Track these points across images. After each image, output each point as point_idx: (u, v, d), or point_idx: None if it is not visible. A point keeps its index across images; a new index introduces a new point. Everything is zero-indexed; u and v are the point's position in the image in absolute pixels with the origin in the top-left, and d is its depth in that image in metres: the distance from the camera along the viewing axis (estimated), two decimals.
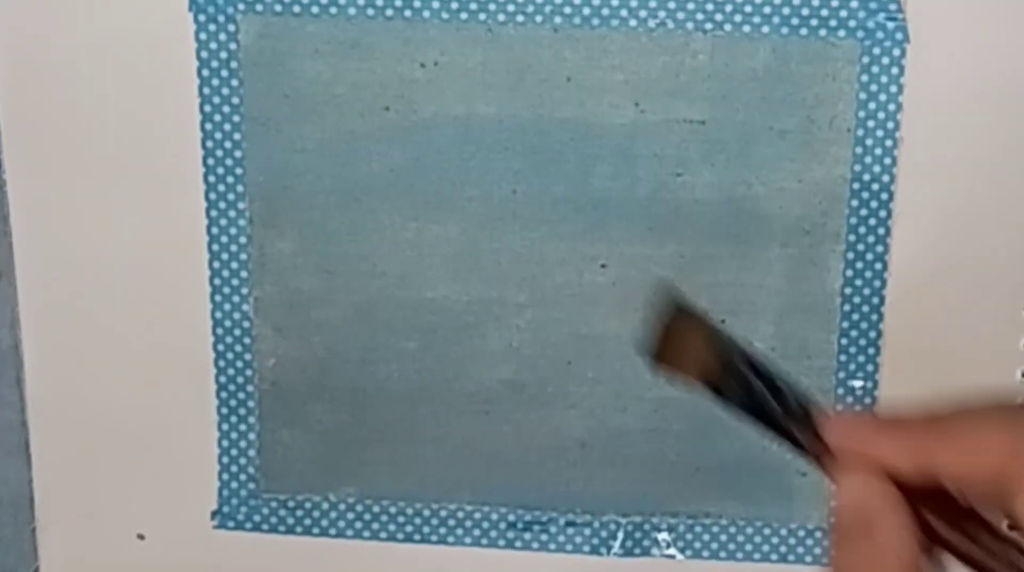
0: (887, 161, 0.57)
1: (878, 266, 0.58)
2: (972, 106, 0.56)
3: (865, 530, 0.41)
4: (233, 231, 0.59)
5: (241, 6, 0.57)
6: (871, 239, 0.58)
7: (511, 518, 0.62)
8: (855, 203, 0.57)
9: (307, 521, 0.63)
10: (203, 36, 0.57)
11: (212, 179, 0.59)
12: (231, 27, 0.57)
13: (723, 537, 0.62)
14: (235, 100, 0.58)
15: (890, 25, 0.55)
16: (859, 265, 0.58)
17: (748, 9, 0.55)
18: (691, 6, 0.55)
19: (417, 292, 0.60)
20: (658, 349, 0.45)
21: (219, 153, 0.59)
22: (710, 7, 0.55)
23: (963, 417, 0.41)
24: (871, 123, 0.56)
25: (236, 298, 0.60)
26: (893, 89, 0.56)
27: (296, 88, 0.58)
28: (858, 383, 0.59)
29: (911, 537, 0.41)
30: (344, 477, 0.62)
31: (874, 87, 0.56)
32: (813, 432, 0.43)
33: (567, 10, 0.56)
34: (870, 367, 0.59)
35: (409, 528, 0.63)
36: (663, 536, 0.62)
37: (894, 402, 0.59)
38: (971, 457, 0.41)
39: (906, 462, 0.41)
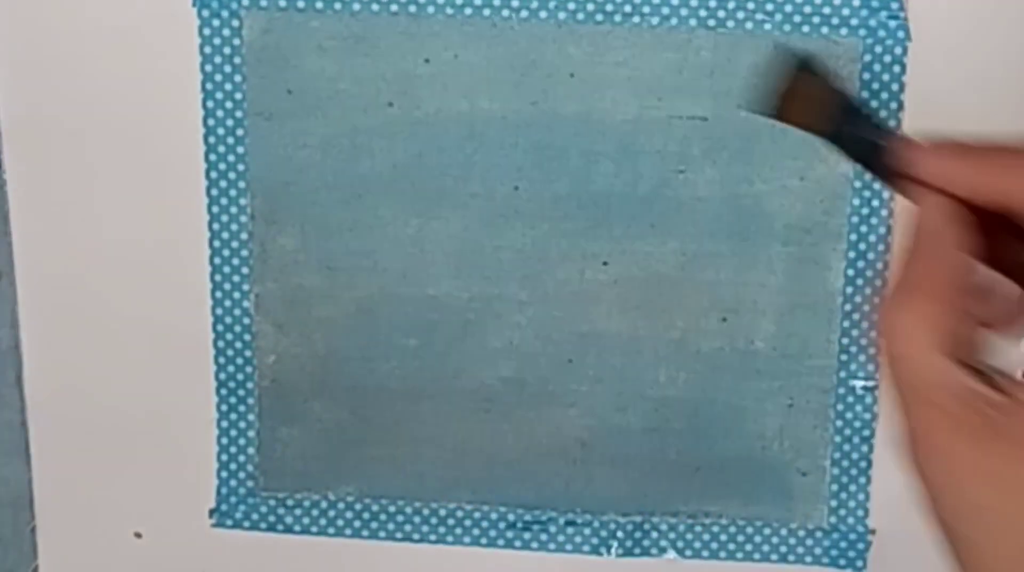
0: None
1: (879, 265, 0.58)
2: (973, 104, 0.56)
3: (928, 242, 0.44)
4: (234, 227, 0.60)
5: (245, 2, 0.57)
6: (872, 238, 0.58)
7: (511, 517, 0.62)
8: (857, 202, 0.57)
9: (306, 520, 0.63)
10: (207, 31, 0.57)
11: (214, 175, 0.59)
12: (235, 22, 0.57)
13: (723, 537, 0.62)
14: (238, 95, 0.58)
15: (892, 24, 0.55)
16: (860, 264, 0.58)
17: (751, 6, 0.56)
18: (694, 3, 0.56)
19: (418, 289, 0.60)
20: (780, 105, 0.49)
21: (221, 149, 0.59)
22: (713, 4, 0.56)
23: None
24: None
25: (237, 294, 0.60)
26: (895, 87, 0.56)
27: (299, 84, 0.58)
28: (859, 382, 0.59)
29: (963, 250, 0.43)
30: (343, 475, 0.62)
31: (876, 85, 0.56)
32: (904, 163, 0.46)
33: (571, 6, 0.56)
34: (871, 366, 0.59)
35: (408, 527, 0.63)
36: (663, 536, 0.62)
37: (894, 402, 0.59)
38: None
39: (983, 191, 0.43)
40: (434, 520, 0.62)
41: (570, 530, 0.62)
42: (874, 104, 0.56)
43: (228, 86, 0.58)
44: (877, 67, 0.56)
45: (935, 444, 0.43)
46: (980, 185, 0.44)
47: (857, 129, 0.48)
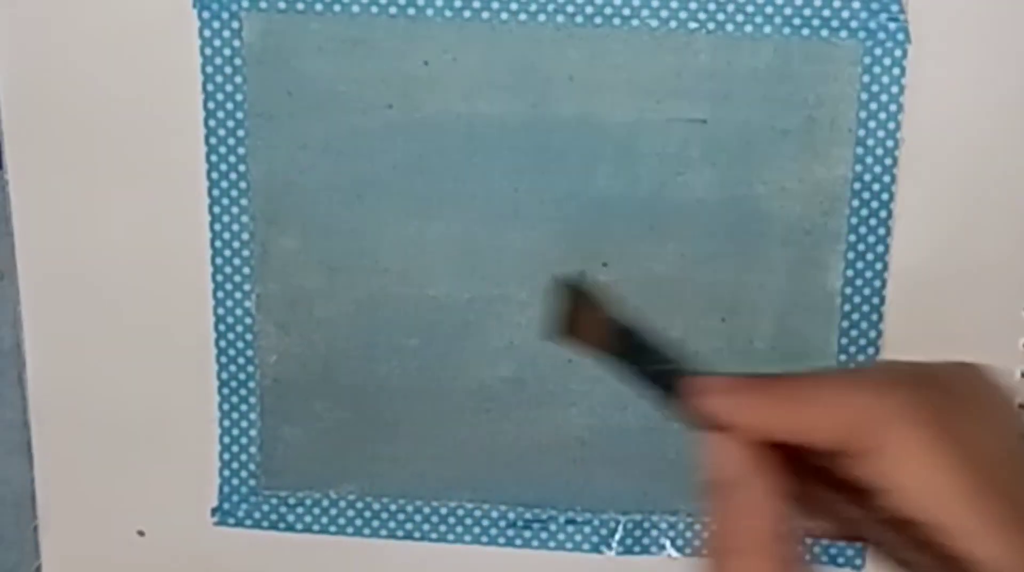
0: (888, 161, 0.57)
1: (878, 266, 0.58)
2: (973, 107, 0.56)
3: (726, 491, 0.42)
4: (236, 228, 0.60)
5: (245, 3, 0.57)
6: (872, 239, 0.58)
7: (511, 516, 0.62)
8: (856, 203, 0.58)
9: (308, 518, 0.63)
10: (207, 33, 0.57)
11: (215, 176, 0.59)
12: (235, 24, 0.57)
13: None
14: (239, 97, 0.58)
15: (892, 26, 0.55)
16: (859, 265, 0.58)
17: (750, 9, 0.56)
18: (693, 6, 0.56)
19: (419, 289, 0.60)
20: (563, 325, 0.47)
21: (222, 150, 0.59)
22: (712, 7, 0.56)
23: (821, 382, 0.42)
24: (872, 123, 0.57)
25: (238, 294, 0.60)
26: (894, 90, 0.56)
27: (299, 85, 0.58)
28: None
29: (771, 498, 0.41)
30: (345, 474, 0.62)
31: (875, 88, 0.56)
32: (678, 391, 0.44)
33: (570, 9, 0.56)
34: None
35: (409, 525, 0.63)
36: (662, 534, 0.62)
37: None
38: (829, 421, 0.41)
39: (772, 428, 0.41)
40: (435, 518, 0.63)
41: (570, 528, 0.62)
42: (873, 107, 0.56)
43: (229, 87, 0.58)
44: (877, 70, 0.56)
45: None
46: (768, 421, 0.42)
47: (641, 357, 0.46)
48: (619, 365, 0.47)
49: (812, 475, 0.43)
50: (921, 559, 0.41)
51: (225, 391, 0.62)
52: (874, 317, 0.59)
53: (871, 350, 0.59)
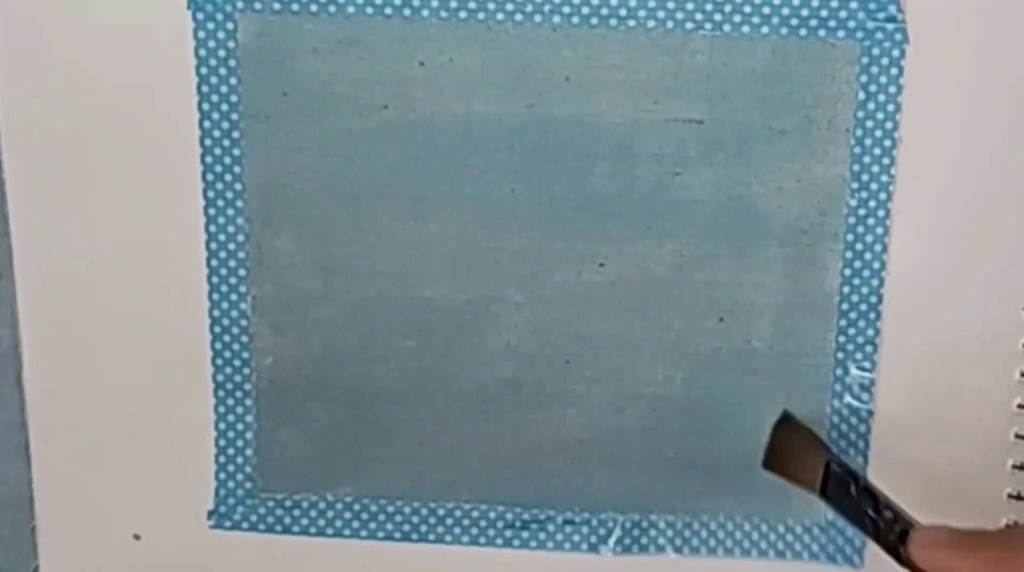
0: (886, 161, 0.57)
1: (876, 266, 0.58)
2: (970, 107, 0.56)
3: None
4: (231, 229, 0.59)
5: (240, 4, 0.57)
6: (869, 239, 0.58)
7: (509, 517, 0.62)
8: (853, 203, 0.57)
9: (304, 521, 0.63)
10: (202, 34, 0.57)
11: (210, 177, 0.59)
12: (230, 25, 0.57)
13: (720, 534, 0.62)
14: (234, 98, 0.58)
15: (889, 26, 0.55)
16: (857, 264, 0.58)
17: (747, 9, 0.55)
18: (690, 6, 0.55)
19: (415, 291, 0.60)
20: (771, 458, 0.56)
21: (217, 151, 0.59)
22: (709, 7, 0.55)
23: None
24: (870, 123, 0.56)
25: (234, 296, 0.60)
26: (892, 90, 0.56)
27: (294, 86, 0.58)
28: (855, 381, 0.59)
29: None
30: (341, 476, 0.62)
31: (873, 88, 0.56)
32: (900, 543, 0.52)
33: (566, 9, 0.56)
34: (868, 366, 0.59)
35: (407, 527, 0.63)
36: (661, 533, 0.62)
37: (891, 401, 0.59)
38: None
39: None
40: (433, 520, 0.63)
41: (568, 529, 0.62)
42: (871, 107, 0.56)
43: (224, 89, 0.58)
44: (875, 70, 0.56)
45: None
46: None
47: (847, 496, 0.53)
48: (834, 506, 0.55)
49: None
50: None
51: (221, 393, 0.62)
52: (872, 317, 0.59)
53: (869, 349, 0.59)
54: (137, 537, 0.64)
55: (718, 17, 0.55)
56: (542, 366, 0.60)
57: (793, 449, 0.57)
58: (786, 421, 0.58)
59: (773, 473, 0.57)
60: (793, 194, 0.57)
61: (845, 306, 0.59)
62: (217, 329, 0.61)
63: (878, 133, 0.56)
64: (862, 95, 0.56)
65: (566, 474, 0.62)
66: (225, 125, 0.58)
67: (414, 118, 0.58)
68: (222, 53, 0.57)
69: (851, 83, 0.56)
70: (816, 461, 0.56)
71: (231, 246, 0.60)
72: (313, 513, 0.63)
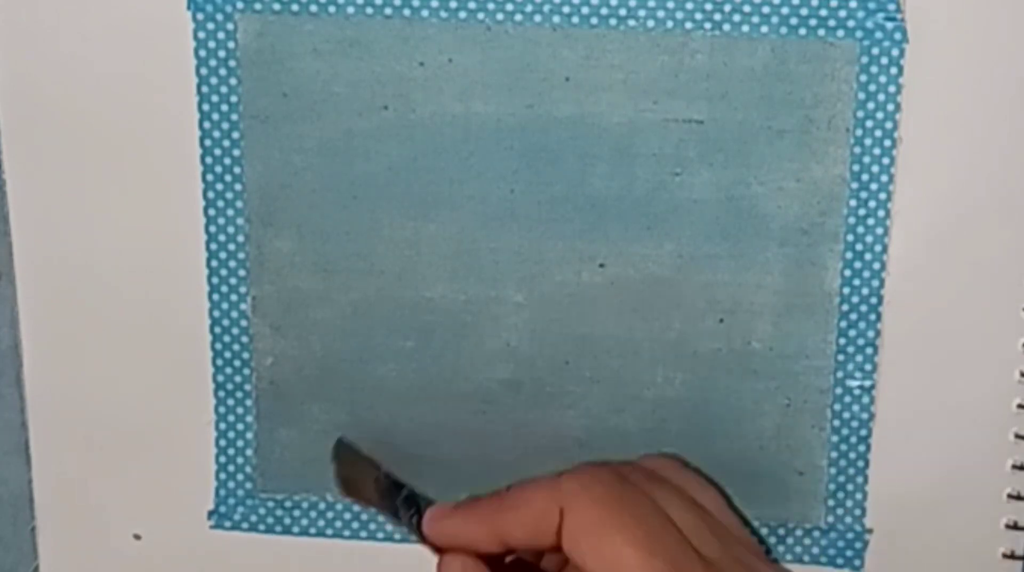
0: (885, 161, 0.57)
1: (876, 266, 0.58)
2: (971, 106, 0.56)
3: None
4: (231, 230, 0.60)
5: (240, 5, 0.57)
6: (869, 239, 0.58)
7: None
8: (853, 203, 0.57)
9: (304, 521, 0.63)
10: (201, 35, 0.57)
11: (210, 178, 0.59)
12: (229, 26, 0.57)
13: None
14: (233, 99, 0.58)
15: (889, 25, 0.55)
16: (857, 265, 0.58)
17: (747, 9, 0.55)
18: (690, 6, 0.55)
19: (415, 291, 0.60)
20: (342, 486, 0.59)
21: (217, 152, 0.59)
22: (709, 7, 0.55)
23: (516, 489, 0.51)
24: (870, 123, 0.56)
25: (234, 297, 0.60)
26: (892, 89, 0.56)
27: (294, 87, 0.58)
28: (856, 382, 0.59)
29: None
30: None
31: (873, 87, 0.56)
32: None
33: (566, 9, 0.56)
34: (868, 367, 0.59)
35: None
36: None
37: (891, 401, 0.59)
38: (527, 520, 0.50)
39: (485, 540, 0.51)
40: None
41: None
42: (871, 106, 0.56)
43: (223, 89, 0.58)
44: (874, 69, 0.56)
45: None
46: (479, 535, 0.51)
47: (396, 499, 0.55)
48: (385, 515, 0.56)
49: None
50: None
51: (221, 394, 0.62)
52: (872, 317, 0.59)
53: (869, 350, 0.59)
54: (137, 537, 0.64)
55: (718, 17, 0.55)
56: (541, 367, 0.60)
57: (351, 472, 0.59)
58: (340, 447, 0.60)
59: (352, 500, 0.60)
60: (793, 194, 0.57)
61: (845, 307, 0.59)
62: (217, 329, 0.61)
63: (878, 133, 0.56)
64: (862, 95, 0.56)
65: None
66: (225, 126, 0.58)
67: (414, 118, 0.58)
68: (222, 53, 0.57)
69: (851, 82, 0.56)
70: (369, 477, 0.59)
71: (231, 246, 0.60)
72: (313, 513, 0.63)
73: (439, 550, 0.53)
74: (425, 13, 0.56)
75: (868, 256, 0.58)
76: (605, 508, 0.49)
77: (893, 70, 0.56)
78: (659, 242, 0.58)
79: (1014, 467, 0.60)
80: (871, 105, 0.56)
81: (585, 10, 0.56)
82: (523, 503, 0.50)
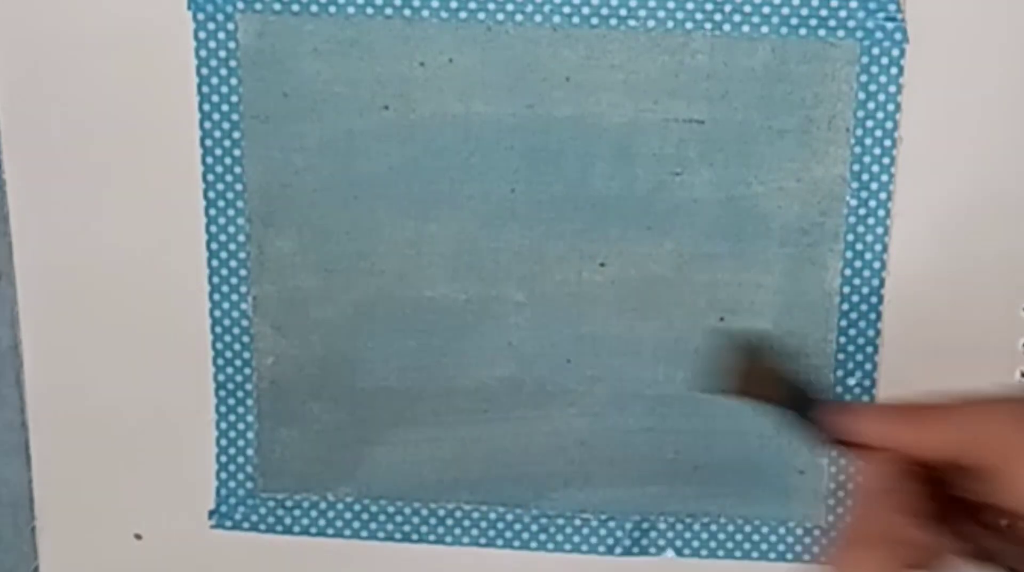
0: (886, 161, 0.57)
1: (876, 265, 0.58)
2: (971, 106, 0.56)
3: (868, 503, 0.48)
4: (232, 229, 0.60)
5: (240, 5, 0.57)
6: (869, 238, 0.58)
7: (509, 517, 0.62)
8: (854, 202, 0.57)
9: (305, 521, 0.63)
10: (202, 35, 0.57)
11: (211, 178, 0.59)
12: (230, 26, 0.57)
13: (721, 535, 0.62)
14: (234, 99, 0.58)
15: (889, 26, 0.55)
16: (857, 264, 0.58)
17: (747, 9, 0.55)
18: (690, 6, 0.55)
19: (416, 291, 0.60)
20: (739, 384, 0.53)
21: (218, 151, 0.59)
22: (709, 7, 0.55)
23: (966, 406, 0.47)
24: (870, 123, 0.56)
25: (235, 297, 0.60)
26: (892, 89, 0.56)
27: (295, 87, 0.58)
28: (855, 381, 0.59)
29: (901, 511, 0.46)
30: (342, 476, 0.62)
31: (873, 87, 0.56)
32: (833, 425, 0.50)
33: (566, 9, 0.56)
34: (868, 366, 0.59)
35: (407, 527, 0.63)
36: (661, 535, 0.62)
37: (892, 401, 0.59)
38: (954, 435, 0.47)
39: (917, 444, 0.47)
40: (433, 520, 0.63)
41: (569, 530, 0.62)
42: (871, 106, 0.56)
43: (224, 89, 0.58)
44: (875, 69, 0.56)
45: None
46: (917, 440, 0.47)
47: (799, 401, 0.51)
48: (784, 413, 0.52)
49: (951, 505, 0.48)
50: None
51: (222, 393, 0.62)
52: (872, 316, 0.59)
53: (869, 349, 0.59)
54: (138, 537, 0.64)
55: (718, 17, 0.56)
56: (542, 366, 0.60)
57: (753, 370, 0.54)
58: (747, 347, 0.54)
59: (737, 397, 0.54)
60: (793, 194, 0.57)
61: (845, 306, 0.59)
62: (218, 329, 0.61)
63: (878, 133, 0.56)
64: (862, 95, 0.56)
65: (566, 474, 0.62)
66: (226, 125, 0.58)
67: (414, 118, 0.58)
68: (223, 54, 0.57)
69: (851, 82, 0.56)
70: (775, 379, 0.53)
71: (232, 246, 0.60)
72: (314, 513, 0.63)
73: (852, 447, 0.50)
74: (426, 13, 0.56)
75: (868, 256, 0.58)
76: None
77: (893, 70, 0.56)
78: (660, 241, 0.58)
79: None
80: (871, 105, 0.56)
81: (586, 10, 0.56)
82: (974, 421, 0.47)
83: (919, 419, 0.48)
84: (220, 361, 0.61)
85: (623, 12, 0.56)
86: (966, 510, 0.48)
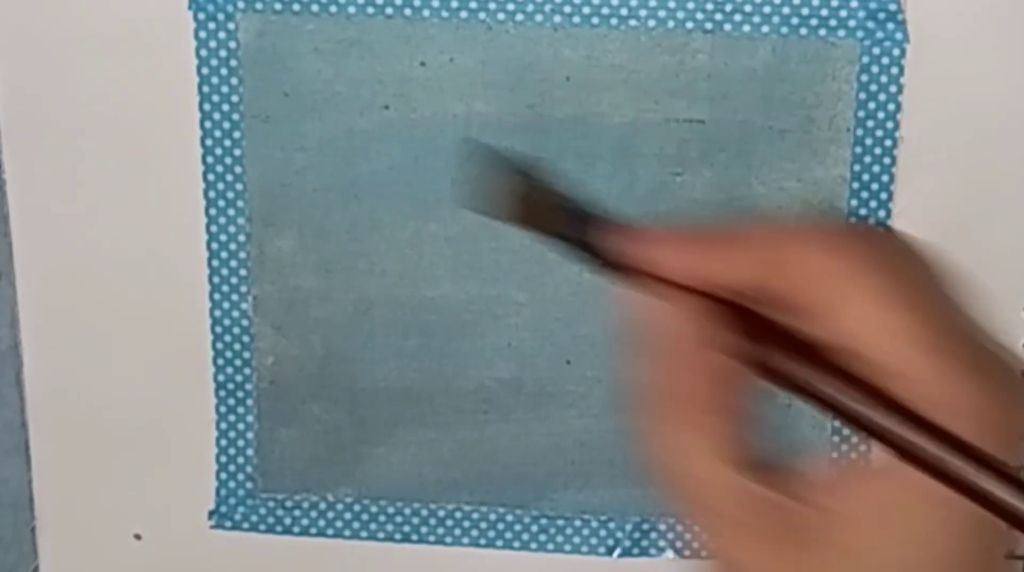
0: (886, 161, 0.57)
1: None
2: (972, 106, 0.56)
3: (680, 346, 0.43)
4: (232, 229, 0.60)
5: (241, 4, 0.57)
6: None
7: (509, 518, 0.62)
8: (854, 203, 0.57)
9: (305, 521, 0.63)
10: (202, 34, 0.57)
11: (211, 177, 0.59)
12: (230, 25, 0.57)
13: None
14: (234, 98, 0.58)
15: (890, 25, 0.55)
16: None
17: (748, 9, 0.55)
18: (691, 6, 0.55)
19: (416, 290, 0.60)
20: (515, 211, 0.50)
21: (218, 151, 0.59)
22: (710, 7, 0.55)
23: (774, 232, 0.44)
24: (871, 123, 0.56)
25: (235, 296, 0.60)
26: (893, 89, 0.56)
27: (295, 86, 0.58)
28: None
29: (718, 349, 0.42)
30: (342, 477, 0.62)
31: (874, 87, 0.56)
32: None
33: (567, 9, 0.56)
34: None
35: (407, 528, 0.63)
36: (661, 536, 0.62)
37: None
38: (755, 261, 0.42)
39: (697, 270, 0.43)
40: (433, 521, 0.63)
41: (569, 531, 0.62)
42: (872, 106, 0.56)
43: (224, 89, 0.58)
44: (875, 69, 0.56)
45: (733, 557, 0.43)
46: (726, 273, 0.43)
47: (579, 225, 0.49)
48: (562, 243, 0.49)
49: (770, 340, 0.43)
50: (871, 408, 0.43)
51: (222, 393, 0.62)
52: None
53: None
54: (138, 537, 0.64)
55: (719, 17, 0.56)
56: (543, 366, 0.60)
57: (530, 198, 0.51)
58: (521, 173, 0.52)
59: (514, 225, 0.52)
60: (794, 194, 0.57)
61: None
62: (218, 329, 0.61)
63: (879, 133, 0.56)
64: (863, 95, 0.56)
65: (566, 475, 0.62)
66: (226, 125, 0.58)
67: (415, 118, 0.58)
68: (223, 53, 0.57)
69: (852, 82, 0.56)
70: (552, 207, 0.51)
71: (232, 246, 0.60)
72: (314, 513, 0.63)
73: (631, 274, 0.46)
74: (426, 13, 0.56)
75: None
76: (892, 287, 0.42)
77: (894, 70, 0.56)
78: None
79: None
80: (872, 105, 0.56)
81: (586, 10, 0.56)
82: (766, 244, 0.43)
83: (724, 245, 0.43)
84: (220, 361, 0.61)
85: (624, 12, 0.56)
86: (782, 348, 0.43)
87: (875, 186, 0.57)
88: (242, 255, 0.60)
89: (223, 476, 0.63)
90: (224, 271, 0.60)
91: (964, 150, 0.56)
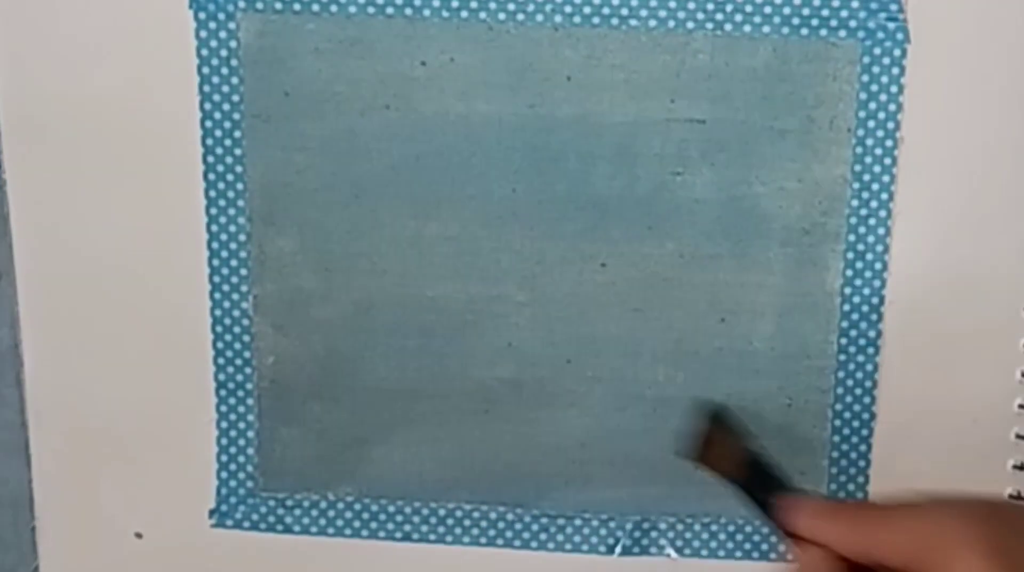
0: (887, 161, 0.57)
1: (878, 266, 0.58)
2: (972, 106, 0.56)
3: None
4: (233, 229, 0.60)
5: (242, 4, 0.57)
6: (871, 239, 0.58)
7: (509, 517, 0.62)
8: (855, 203, 0.57)
9: (305, 520, 0.63)
10: (203, 34, 0.57)
11: (212, 177, 0.59)
12: (231, 25, 0.57)
13: (722, 535, 0.62)
14: (235, 98, 0.58)
15: (891, 25, 0.55)
16: (859, 265, 0.58)
17: (749, 9, 0.55)
18: (692, 5, 0.55)
19: (416, 290, 0.60)
20: (698, 452, 0.56)
21: (219, 151, 0.59)
22: (711, 7, 0.55)
23: (896, 509, 0.49)
24: (871, 123, 0.56)
25: (236, 296, 0.60)
26: (893, 89, 0.56)
27: (296, 86, 0.58)
28: (856, 383, 0.59)
29: None
30: (342, 476, 0.62)
31: (874, 87, 0.56)
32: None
33: (567, 9, 0.56)
34: (869, 366, 0.59)
35: (408, 527, 0.63)
36: (662, 535, 0.62)
37: (892, 402, 0.59)
38: (903, 547, 0.48)
39: (850, 546, 0.50)
40: (433, 520, 0.63)
41: (569, 530, 0.62)
42: (872, 106, 0.56)
43: (225, 88, 0.58)
44: (876, 69, 0.56)
45: None
46: (848, 542, 0.50)
47: (759, 484, 0.54)
48: (740, 491, 0.54)
49: None
50: None
51: (223, 393, 0.62)
52: (873, 317, 0.59)
53: (870, 350, 0.59)
54: (138, 536, 0.64)
55: (719, 17, 0.56)
56: (543, 366, 0.60)
57: (715, 440, 0.57)
58: (711, 414, 0.58)
59: (696, 464, 0.57)
60: (795, 194, 0.58)
61: (847, 307, 0.59)
62: (219, 328, 0.61)
63: (880, 133, 0.56)
64: (863, 95, 0.56)
65: (567, 475, 0.62)
66: (227, 125, 0.58)
67: (415, 118, 0.58)
68: (224, 53, 0.57)
69: (852, 82, 0.56)
70: (735, 452, 0.56)
71: (233, 245, 0.60)
72: (314, 512, 0.63)
73: (793, 539, 0.52)
74: (427, 13, 0.56)
75: (870, 256, 0.58)
76: (993, 562, 0.47)
77: (895, 70, 0.56)
78: (661, 242, 0.58)
79: (1014, 467, 0.60)
80: (873, 105, 0.56)
81: (587, 10, 0.56)
82: (903, 529, 0.49)
83: (881, 524, 0.49)
84: (221, 360, 0.61)
85: (624, 12, 0.56)
86: None
87: (876, 186, 0.57)
88: (243, 255, 0.60)
89: (224, 475, 0.63)
90: (225, 271, 0.60)
91: (964, 150, 0.56)
